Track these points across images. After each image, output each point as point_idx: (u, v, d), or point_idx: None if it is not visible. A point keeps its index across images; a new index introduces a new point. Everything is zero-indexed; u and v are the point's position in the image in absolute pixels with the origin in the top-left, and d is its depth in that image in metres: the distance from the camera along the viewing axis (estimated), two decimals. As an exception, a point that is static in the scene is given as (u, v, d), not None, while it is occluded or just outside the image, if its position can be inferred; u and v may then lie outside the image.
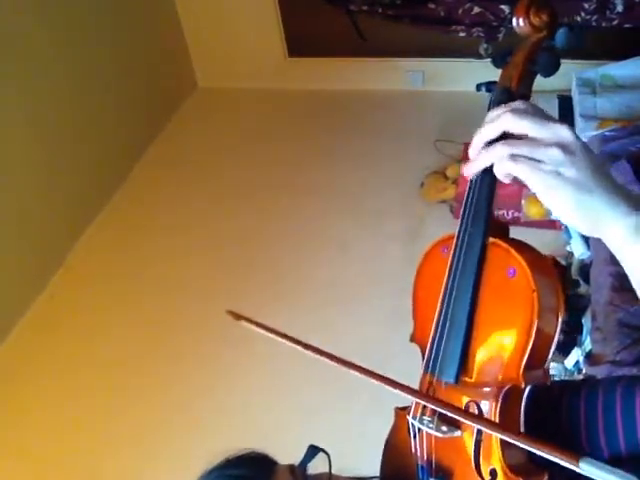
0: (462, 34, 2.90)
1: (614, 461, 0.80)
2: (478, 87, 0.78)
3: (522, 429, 0.72)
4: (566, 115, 2.52)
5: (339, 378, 1.80)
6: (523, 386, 0.70)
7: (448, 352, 0.72)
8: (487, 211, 0.70)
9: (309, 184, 2.95)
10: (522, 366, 0.68)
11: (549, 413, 0.84)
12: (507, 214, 2.47)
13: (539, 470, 0.71)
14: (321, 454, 0.82)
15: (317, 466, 0.82)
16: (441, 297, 0.73)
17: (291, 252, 2.65)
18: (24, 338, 2.43)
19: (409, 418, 0.76)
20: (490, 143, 0.63)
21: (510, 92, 0.71)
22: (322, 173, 2.99)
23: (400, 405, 0.82)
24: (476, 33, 2.87)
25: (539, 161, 0.59)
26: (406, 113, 3.27)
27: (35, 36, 2.53)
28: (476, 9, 2.79)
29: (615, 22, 2.67)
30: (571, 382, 1.49)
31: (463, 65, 3.09)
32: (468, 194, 0.71)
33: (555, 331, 0.69)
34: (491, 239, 0.71)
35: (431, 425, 0.72)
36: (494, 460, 0.71)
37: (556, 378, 1.82)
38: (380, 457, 0.86)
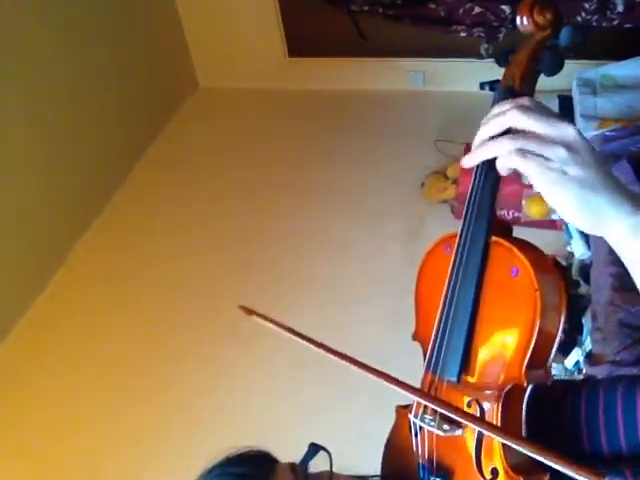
0: (463, 34, 2.91)
1: (615, 460, 0.80)
2: (481, 86, 0.78)
3: (524, 428, 0.72)
4: (566, 115, 2.52)
5: (339, 378, 1.81)
6: (525, 385, 0.70)
7: (450, 350, 0.72)
8: (490, 210, 0.70)
9: (309, 184, 2.95)
10: (524, 365, 0.68)
11: (551, 412, 0.84)
12: (507, 214, 2.48)
13: (540, 469, 0.71)
14: (322, 452, 0.82)
15: (318, 464, 0.81)
16: (443, 295, 0.73)
17: (291, 252, 2.65)
18: (24, 338, 2.43)
19: (411, 416, 0.75)
20: (492, 138, 0.62)
21: (513, 91, 0.71)
22: (322, 173, 2.99)
23: (402, 404, 0.82)
24: (477, 33, 2.87)
25: (546, 158, 0.59)
26: (406, 113, 3.27)
27: (35, 36, 2.53)
28: (477, 9, 2.79)
29: (615, 22, 2.68)
30: (572, 382, 1.48)
31: (464, 65, 3.09)
32: (471, 193, 0.71)
33: (557, 330, 0.69)
34: (494, 238, 0.71)
35: (433, 423, 0.72)
36: (495, 459, 0.71)
37: (557, 378, 1.82)
38: (381, 456, 0.86)
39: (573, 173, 0.58)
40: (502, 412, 0.70)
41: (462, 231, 0.72)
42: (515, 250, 0.69)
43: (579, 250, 2.05)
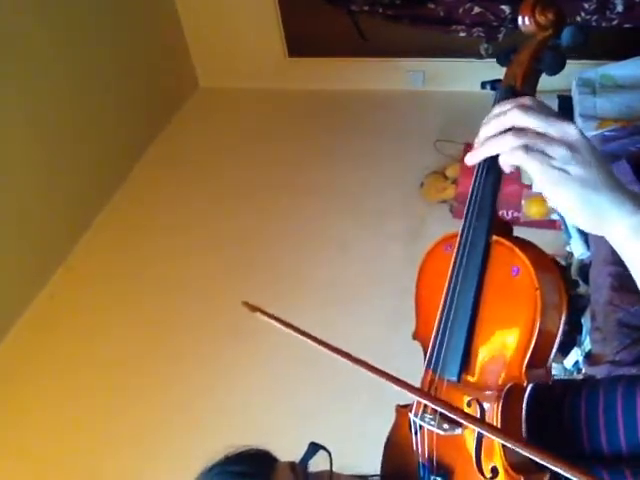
0: (462, 34, 2.91)
1: (615, 460, 0.80)
2: (483, 85, 0.78)
3: (524, 428, 0.72)
4: (566, 115, 2.52)
5: (339, 378, 1.81)
6: (525, 385, 0.70)
7: (450, 350, 0.72)
8: (491, 209, 0.70)
9: (309, 184, 2.95)
10: (524, 364, 0.68)
11: (551, 412, 0.84)
12: (507, 214, 2.47)
13: (540, 468, 0.71)
14: (322, 452, 0.82)
15: (318, 464, 0.82)
16: (444, 295, 0.73)
17: (291, 252, 2.65)
18: (24, 338, 2.43)
19: (411, 415, 0.76)
20: (493, 137, 0.62)
21: (515, 90, 0.72)
22: (322, 173, 2.99)
23: (401, 403, 0.82)
24: (476, 33, 2.87)
25: (550, 157, 0.59)
26: (406, 113, 3.27)
27: (35, 36, 2.52)
28: (476, 9, 2.79)
29: (615, 22, 2.68)
30: (572, 382, 1.48)
31: (464, 65, 3.09)
32: (473, 191, 0.71)
33: (558, 330, 0.69)
34: (495, 237, 0.71)
35: (433, 422, 0.72)
36: (495, 458, 0.71)
37: (557, 378, 1.82)
38: (381, 455, 0.86)
39: (575, 172, 0.58)
40: (502, 411, 0.71)
41: (463, 230, 0.72)
42: (516, 249, 0.69)
43: (578, 250, 2.04)
